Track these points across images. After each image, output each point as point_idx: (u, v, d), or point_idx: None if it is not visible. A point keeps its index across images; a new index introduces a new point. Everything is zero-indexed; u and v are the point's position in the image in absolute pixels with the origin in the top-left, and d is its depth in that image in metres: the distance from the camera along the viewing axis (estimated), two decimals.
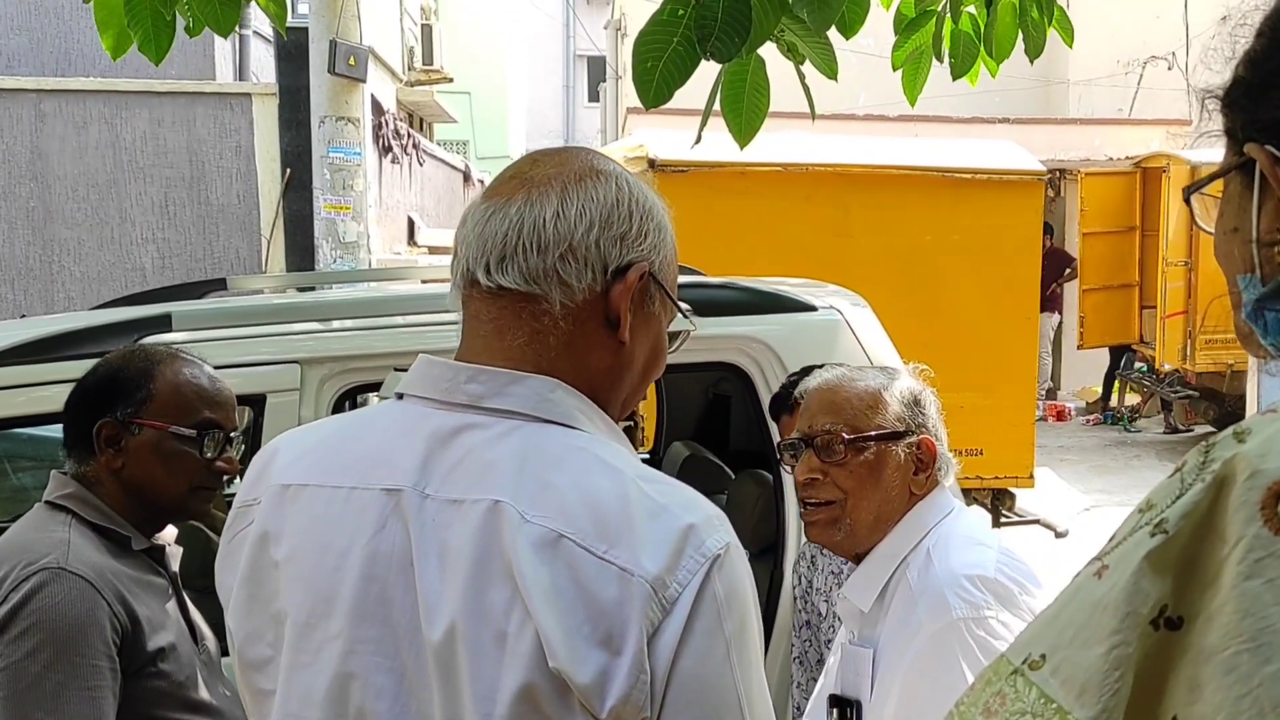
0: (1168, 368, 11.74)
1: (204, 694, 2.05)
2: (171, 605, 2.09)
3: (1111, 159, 13.68)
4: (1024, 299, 7.08)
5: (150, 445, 2.10)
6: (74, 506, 2.06)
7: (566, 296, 1.28)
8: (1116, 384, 13.70)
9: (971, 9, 3.30)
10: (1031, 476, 7.12)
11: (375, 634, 1.24)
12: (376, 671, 1.24)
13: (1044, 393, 13.00)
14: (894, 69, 3.39)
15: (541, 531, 1.17)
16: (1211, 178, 1.04)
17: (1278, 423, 0.88)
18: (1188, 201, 1.09)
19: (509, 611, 1.16)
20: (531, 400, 1.26)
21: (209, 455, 2.13)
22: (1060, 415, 13.74)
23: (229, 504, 1.44)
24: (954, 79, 3.38)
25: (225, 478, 2.18)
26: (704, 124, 3.23)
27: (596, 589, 1.15)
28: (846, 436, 2.02)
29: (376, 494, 1.26)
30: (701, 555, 1.17)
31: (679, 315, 1.40)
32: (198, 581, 2.13)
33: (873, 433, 2.03)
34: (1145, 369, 12.96)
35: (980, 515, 2.36)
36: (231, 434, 2.18)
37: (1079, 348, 13.12)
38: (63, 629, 1.88)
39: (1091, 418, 13.71)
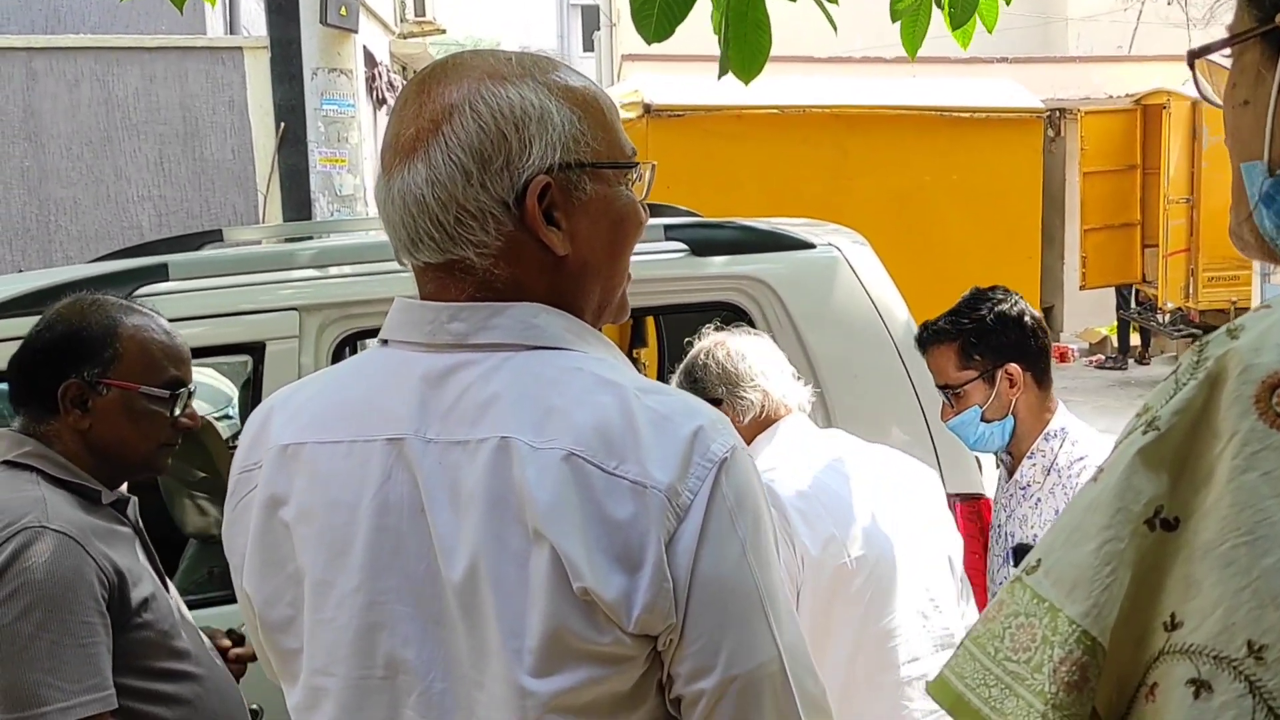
0: (1170, 306, 11.72)
1: (184, 640, 2.05)
2: (141, 554, 2.07)
3: (1111, 97, 13.58)
4: (1025, 238, 7.06)
5: (119, 405, 2.07)
6: (38, 464, 2.02)
7: (483, 249, 1.23)
8: (1116, 325, 13.69)
9: None
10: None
11: (395, 583, 1.23)
12: (401, 620, 1.23)
13: None
14: (893, 20, 3.34)
15: (550, 454, 1.16)
16: (1225, 42, 0.98)
17: (1270, 318, 0.87)
18: (1191, 66, 1.03)
19: (527, 542, 1.16)
20: (517, 329, 1.24)
21: (176, 413, 2.11)
22: (1063, 357, 13.74)
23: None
24: (953, 29, 3.33)
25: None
26: (724, 59, 3.15)
27: (611, 505, 1.15)
28: None
29: (378, 444, 1.25)
30: (709, 460, 1.17)
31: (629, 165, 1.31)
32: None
33: None
34: (1146, 308, 12.94)
35: None
36: (191, 389, 2.15)
37: (1081, 288, 13.10)
38: (52, 587, 1.85)
39: (1094, 359, 13.70)
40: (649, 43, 2.96)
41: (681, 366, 2.59)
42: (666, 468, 1.16)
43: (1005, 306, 2.66)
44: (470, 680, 1.21)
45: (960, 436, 2.71)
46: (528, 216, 1.23)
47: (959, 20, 3.42)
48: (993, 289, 2.72)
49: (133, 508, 2.14)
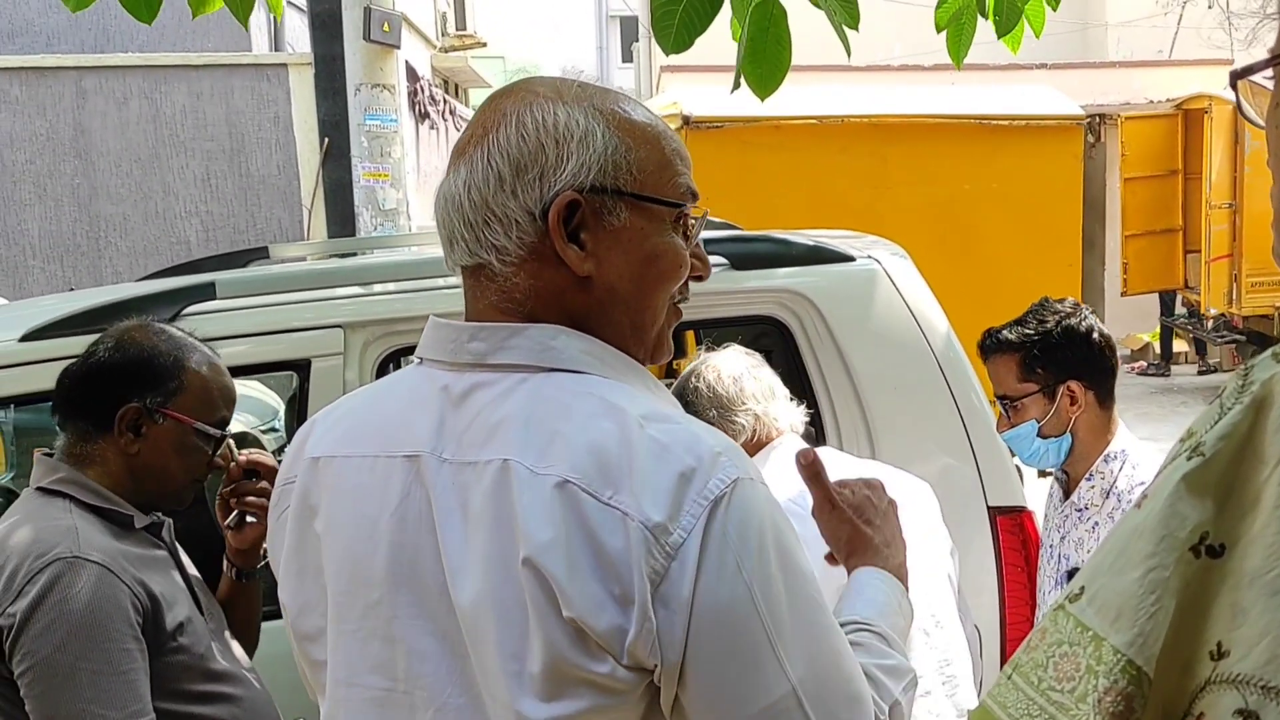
0: (1214, 312, 11.59)
1: (221, 662, 2.06)
2: (177, 577, 2.08)
3: (1152, 102, 13.47)
4: (1065, 245, 7.02)
5: (171, 436, 2.09)
6: (71, 491, 2.03)
7: (504, 255, 1.25)
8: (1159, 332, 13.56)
9: None
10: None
11: (413, 599, 1.24)
12: (420, 635, 1.24)
13: None
14: (938, 30, 3.34)
15: (547, 480, 1.16)
16: (1268, 63, 0.96)
17: None
18: (1234, 86, 1.01)
19: (526, 568, 1.15)
20: (534, 351, 1.24)
21: (214, 452, 2.15)
22: None
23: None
24: (999, 37, 3.33)
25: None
26: (739, 72, 3.18)
27: (603, 535, 1.13)
28: None
29: (398, 460, 1.27)
30: (704, 497, 1.14)
31: (684, 201, 1.30)
32: None
33: None
34: (1186, 314, 12.81)
35: None
36: (229, 434, 2.19)
37: (1122, 294, 12.98)
38: (87, 618, 1.86)
39: (1136, 365, 13.58)
40: (667, 53, 2.98)
41: (672, 388, 2.55)
42: (658, 504, 1.13)
43: (1074, 321, 2.60)
44: (483, 699, 1.21)
45: (1014, 450, 2.68)
46: (550, 230, 1.24)
47: (1005, 27, 3.41)
48: (1061, 301, 2.67)
49: (168, 530, 2.15)
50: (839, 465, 2.51)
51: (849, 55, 3.06)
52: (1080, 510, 2.61)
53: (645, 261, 1.28)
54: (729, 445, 1.20)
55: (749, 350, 2.67)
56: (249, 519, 2.22)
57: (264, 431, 6.18)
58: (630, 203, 1.26)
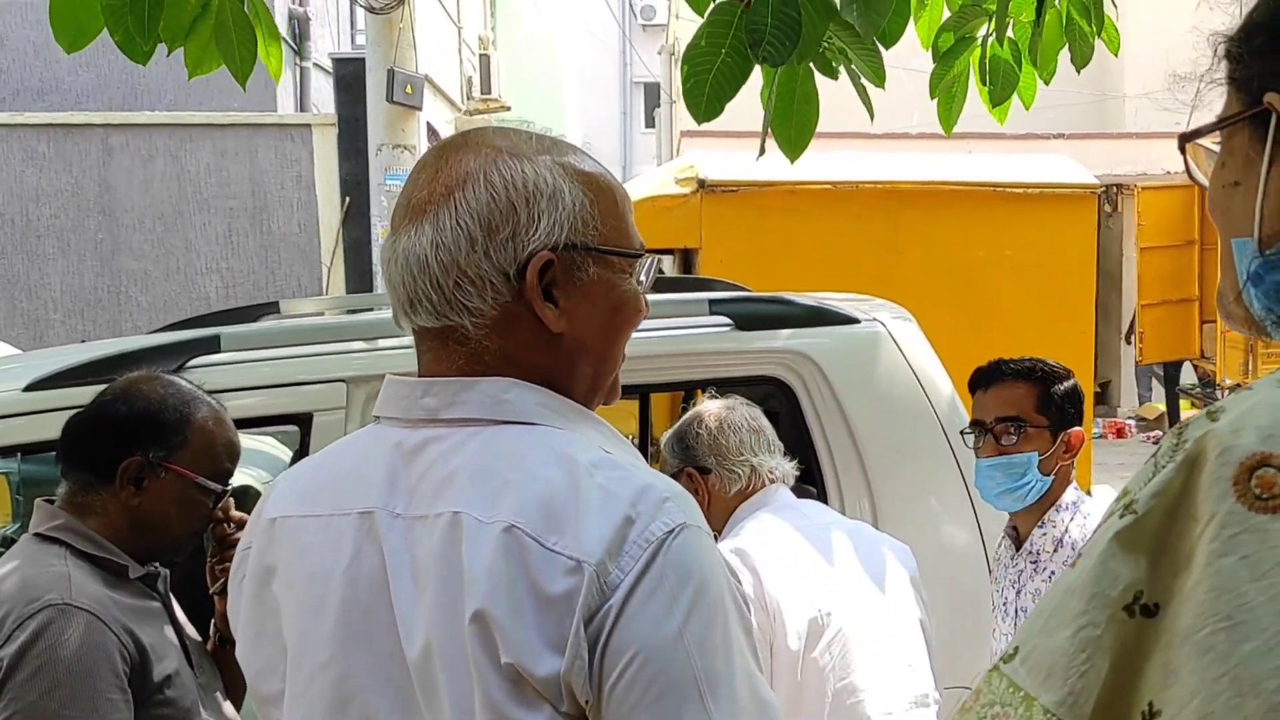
0: (1229, 383, 11.52)
1: (205, 716, 2.05)
2: (169, 630, 2.08)
3: (1169, 173, 13.49)
4: (1078, 314, 6.99)
5: (173, 490, 2.09)
6: (67, 538, 2.03)
7: (478, 318, 1.25)
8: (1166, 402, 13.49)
9: (1010, 33, 3.28)
10: (1090, 494, 7.02)
11: (365, 658, 1.24)
12: (372, 695, 1.23)
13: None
14: (931, 97, 3.38)
15: (493, 528, 1.16)
16: (1214, 125, 0.99)
17: (1250, 400, 0.86)
18: (1182, 149, 1.04)
19: (472, 621, 1.15)
20: (486, 404, 1.25)
21: (215, 506, 2.15)
22: (1120, 432, 13.53)
23: None
24: (992, 106, 3.36)
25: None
26: (765, 135, 3.21)
27: (545, 580, 1.13)
28: None
29: (351, 518, 1.27)
30: (645, 539, 1.14)
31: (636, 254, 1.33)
32: None
33: None
34: (1200, 384, 12.74)
35: None
36: (230, 489, 2.19)
37: (1138, 364, 12.93)
38: (75, 665, 1.85)
39: (1152, 435, 13.49)
40: (699, 122, 3.01)
41: (674, 430, 2.70)
42: (600, 546, 1.13)
43: (1076, 382, 2.76)
44: None
45: (1003, 475, 2.67)
46: (527, 290, 1.24)
47: (999, 98, 3.44)
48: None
49: (163, 582, 2.15)
50: (826, 519, 2.65)
51: (872, 118, 3.08)
52: (1035, 561, 2.67)
53: (611, 312, 1.31)
54: (678, 492, 1.21)
55: (748, 401, 2.76)
56: None
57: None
58: (596, 256, 1.29)
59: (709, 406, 2.69)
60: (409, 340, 3.18)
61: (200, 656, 2.16)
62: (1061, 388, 2.71)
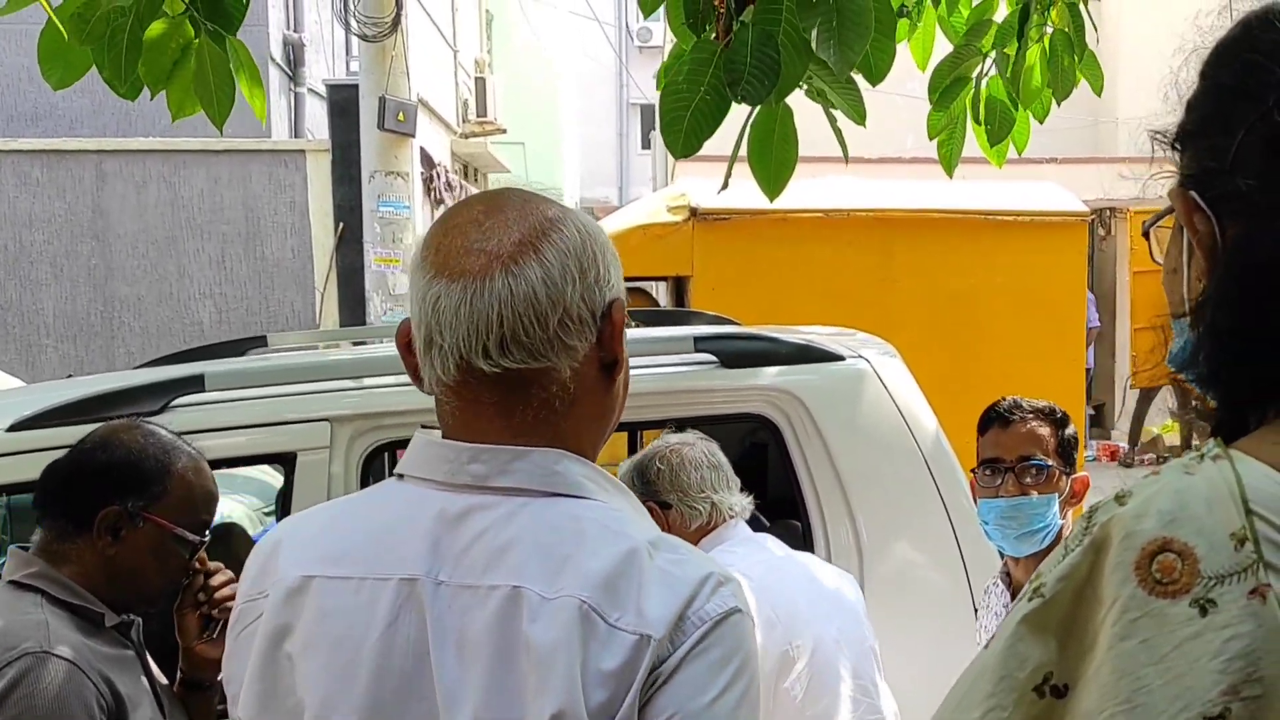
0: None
1: None
2: (143, 679, 2.07)
3: (1162, 196, 13.51)
4: (1069, 340, 7.01)
5: (151, 540, 2.08)
6: (43, 585, 2.02)
7: (573, 359, 1.26)
8: (1170, 423, 13.47)
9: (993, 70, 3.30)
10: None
11: None
12: None
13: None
14: (930, 138, 3.39)
15: (557, 604, 1.17)
16: (1159, 216, 1.05)
17: (1156, 485, 0.88)
18: (1146, 236, 1.09)
19: (529, 695, 1.16)
20: (538, 475, 1.25)
21: (191, 557, 2.14)
22: (1114, 455, 13.53)
23: None
24: (990, 146, 3.37)
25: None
26: (729, 171, 3.23)
27: (605, 656, 1.16)
28: None
29: (389, 584, 1.24)
30: (700, 619, 1.18)
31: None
32: None
33: None
34: (1198, 407, 12.73)
35: None
36: (207, 538, 2.18)
37: (1131, 387, 12.93)
38: (52, 713, 1.84)
39: (1146, 458, 13.47)
40: (676, 157, 3.03)
41: (634, 463, 2.73)
42: (664, 623, 1.17)
43: (1074, 431, 2.76)
44: None
45: (1025, 517, 2.62)
46: (608, 333, 1.29)
47: (996, 137, 3.46)
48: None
49: (137, 631, 2.14)
50: (782, 552, 2.69)
51: (846, 160, 3.10)
52: None
53: (626, 378, 1.37)
54: (730, 578, 1.25)
55: (705, 436, 2.83)
56: None
57: (267, 514, 6.18)
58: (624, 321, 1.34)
59: (668, 441, 2.73)
60: (394, 379, 3.22)
61: (170, 703, 2.15)
62: (1070, 432, 2.71)
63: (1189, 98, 0.99)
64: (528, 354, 1.24)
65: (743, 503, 2.70)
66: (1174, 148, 1.00)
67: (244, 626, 1.35)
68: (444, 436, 1.30)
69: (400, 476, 1.32)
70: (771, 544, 2.72)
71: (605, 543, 1.21)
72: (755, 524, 4.40)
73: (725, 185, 3.29)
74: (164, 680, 2.18)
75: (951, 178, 3.59)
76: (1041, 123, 3.59)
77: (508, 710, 1.17)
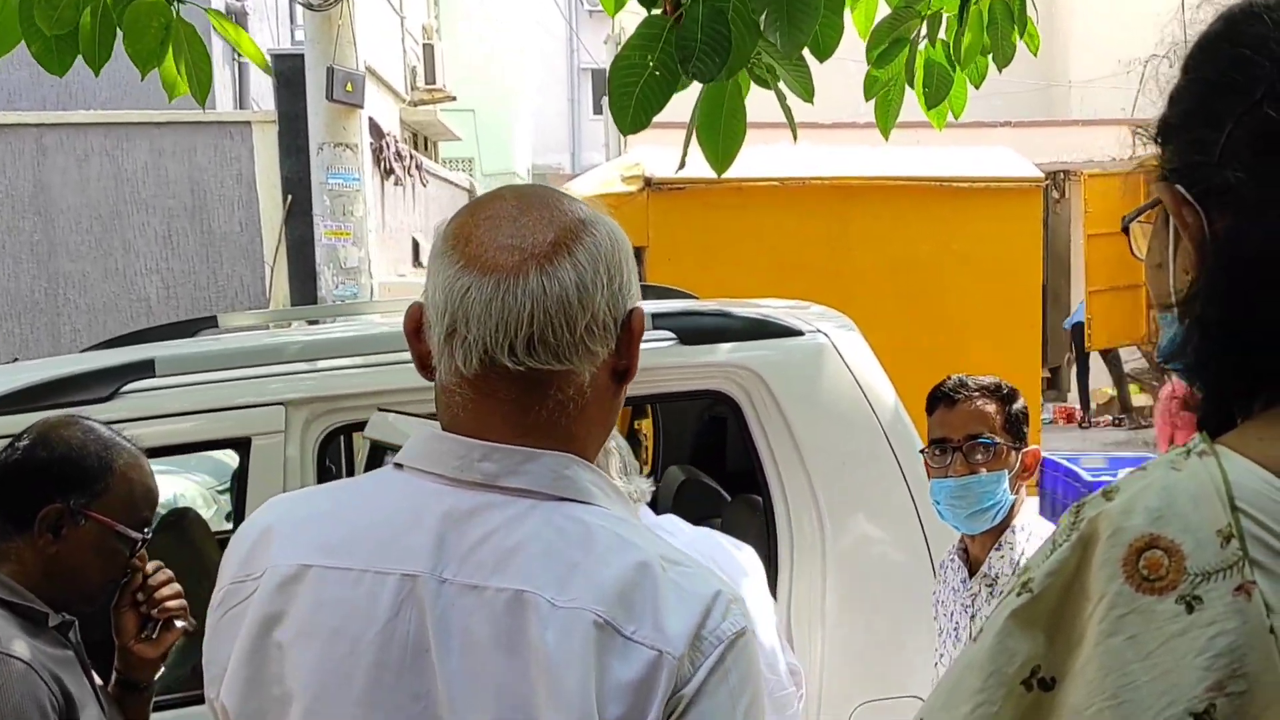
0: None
1: None
2: (84, 679, 2.04)
3: (1115, 159, 13.62)
4: (1026, 305, 7.05)
5: (92, 538, 2.05)
6: None
7: (592, 364, 1.26)
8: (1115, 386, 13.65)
9: (942, 33, 3.28)
10: (1037, 484, 7.10)
11: None
12: None
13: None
14: (867, 99, 3.38)
15: (570, 614, 1.17)
16: (1140, 210, 1.04)
17: (1143, 481, 0.89)
18: (1126, 231, 1.09)
19: (536, 702, 1.16)
20: (548, 478, 1.25)
21: (131, 554, 2.11)
22: (1070, 418, 13.69)
23: None
24: (928, 108, 3.36)
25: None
26: (686, 148, 3.22)
27: (622, 668, 1.16)
28: None
29: (389, 578, 1.23)
30: (717, 637, 1.19)
31: None
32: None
33: None
34: (1150, 368, 12.90)
35: None
36: (148, 535, 2.14)
37: (1087, 350, 13.06)
38: (7, 716, 1.82)
39: (1103, 419, 13.64)
40: (624, 134, 3.00)
41: None
42: (682, 639, 1.17)
43: (1024, 404, 2.76)
44: None
45: (974, 495, 2.64)
46: (626, 341, 1.28)
47: (933, 100, 3.45)
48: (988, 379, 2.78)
49: (75, 631, 2.11)
50: (687, 531, 2.67)
51: (795, 139, 3.08)
52: (991, 585, 2.64)
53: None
54: (737, 595, 1.25)
55: None
56: (178, 623, 2.16)
57: (220, 492, 6.11)
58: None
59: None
60: (349, 361, 3.17)
61: (109, 705, 2.12)
62: (1019, 406, 2.70)
63: (1171, 91, 0.99)
64: (553, 355, 1.24)
65: (644, 487, 2.66)
66: (1156, 141, 1.00)
67: (229, 608, 1.32)
68: (448, 429, 1.28)
69: (399, 466, 1.30)
70: (679, 524, 2.73)
71: (615, 552, 1.21)
72: (717, 500, 4.44)
73: (682, 164, 3.27)
74: (99, 681, 2.15)
75: (887, 139, 3.59)
76: (977, 87, 3.57)
77: (514, 713, 1.17)
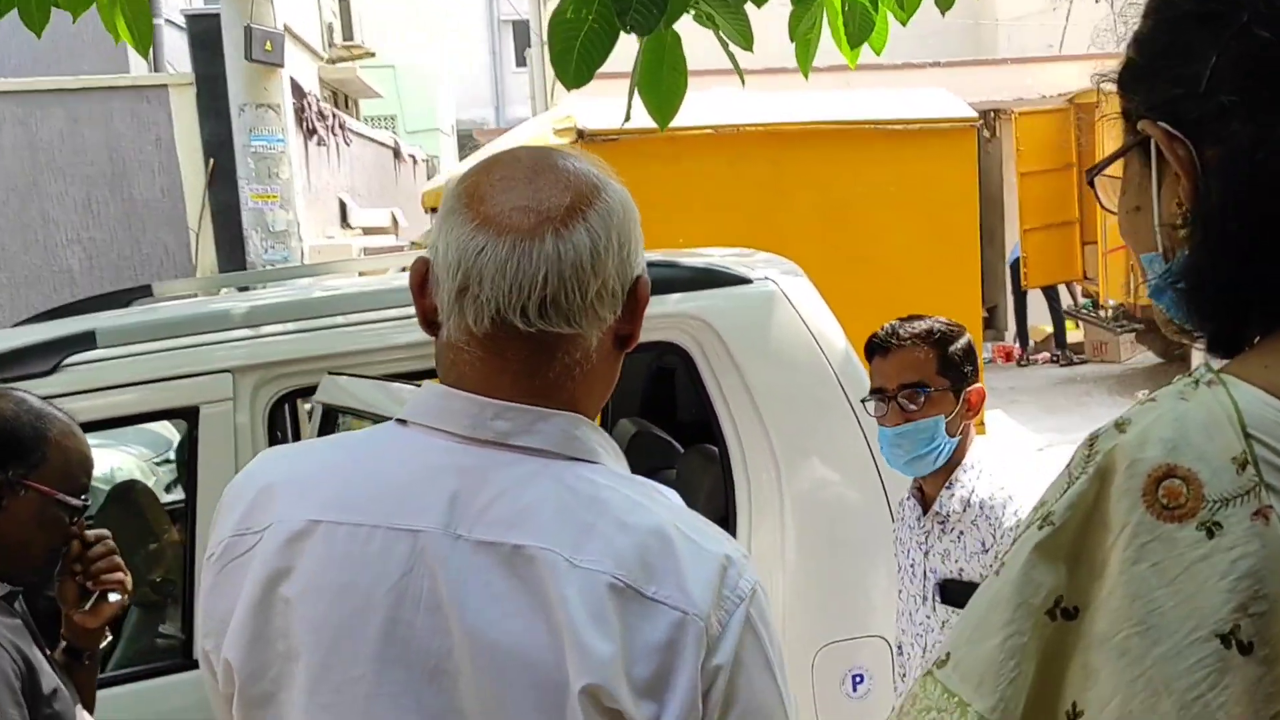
0: (1113, 303, 11.84)
1: None
2: (35, 649, 2.04)
3: (1045, 97, 13.72)
4: (962, 247, 7.11)
5: (33, 508, 2.05)
6: None
7: (600, 329, 1.27)
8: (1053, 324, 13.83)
9: None
10: (982, 423, 7.18)
11: (402, 677, 1.22)
12: (404, 713, 1.22)
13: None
14: (790, 39, 3.36)
15: (589, 575, 1.18)
16: (1110, 159, 1.07)
17: (1154, 412, 0.91)
18: (1091, 185, 1.12)
19: (560, 658, 1.17)
20: (559, 437, 1.26)
21: (72, 522, 2.10)
22: (1009, 356, 13.87)
23: None
24: (851, 47, 3.35)
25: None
26: (630, 102, 3.19)
27: (648, 629, 1.17)
28: None
29: (402, 534, 1.23)
30: (738, 594, 1.21)
31: None
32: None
33: None
34: (1089, 304, 13.09)
35: None
36: (87, 501, 2.15)
37: (1024, 288, 13.21)
38: None
39: (1040, 356, 13.84)
40: (568, 88, 2.96)
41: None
42: (703, 597, 1.19)
43: (969, 338, 2.76)
44: None
45: (911, 442, 2.67)
46: (631, 308, 1.30)
47: (857, 38, 3.42)
48: (936, 319, 2.78)
49: (20, 602, 2.11)
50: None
51: (743, 84, 3.05)
52: (943, 522, 2.67)
53: None
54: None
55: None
56: (112, 596, 2.14)
57: (158, 464, 6.00)
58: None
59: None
60: (295, 325, 3.10)
61: (58, 671, 2.11)
62: (958, 346, 2.70)
63: (1136, 35, 1.02)
64: (564, 319, 1.24)
65: None
66: (1122, 90, 1.03)
67: (230, 559, 1.31)
68: (453, 387, 1.29)
69: (403, 422, 1.30)
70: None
71: (629, 513, 1.22)
72: (669, 451, 4.44)
73: (627, 117, 3.24)
74: (48, 650, 2.14)
75: (807, 78, 3.57)
76: (904, 25, 3.55)
77: (534, 668, 1.18)
